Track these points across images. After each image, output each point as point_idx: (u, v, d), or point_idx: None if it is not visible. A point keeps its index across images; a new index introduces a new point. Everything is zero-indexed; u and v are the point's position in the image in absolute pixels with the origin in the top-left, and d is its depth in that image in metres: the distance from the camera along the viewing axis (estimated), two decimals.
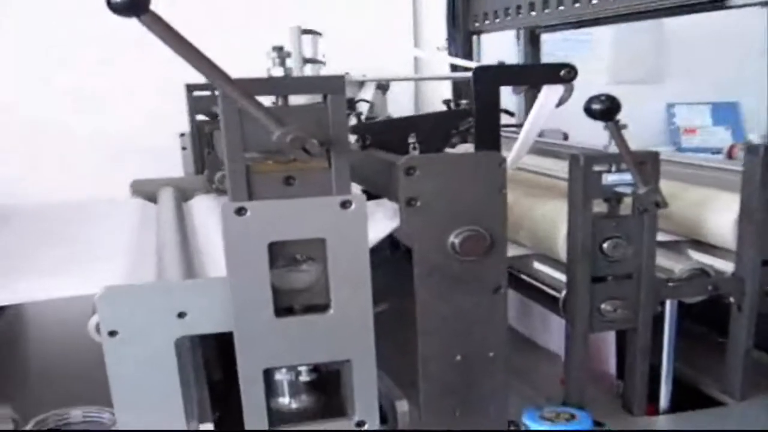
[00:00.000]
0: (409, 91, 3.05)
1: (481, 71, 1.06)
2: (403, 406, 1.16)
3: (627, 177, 1.12)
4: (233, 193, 1.03)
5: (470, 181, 1.05)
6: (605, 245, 1.15)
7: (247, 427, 1.05)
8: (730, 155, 3.32)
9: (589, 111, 1.09)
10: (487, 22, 2.43)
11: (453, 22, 2.55)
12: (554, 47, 3.80)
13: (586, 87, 3.36)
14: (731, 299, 1.24)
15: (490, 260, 1.08)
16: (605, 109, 1.10)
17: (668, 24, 3.89)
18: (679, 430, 1.25)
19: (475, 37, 2.57)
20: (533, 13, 2.21)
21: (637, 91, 3.79)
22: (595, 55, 3.85)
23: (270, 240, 0.99)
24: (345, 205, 1.01)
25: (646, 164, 1.12)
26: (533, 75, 1.17)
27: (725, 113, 3.87)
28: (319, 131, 1.02)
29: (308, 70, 2.50)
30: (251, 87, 0.96)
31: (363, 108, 2.17)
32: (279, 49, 1.49)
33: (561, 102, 1.24)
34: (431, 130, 1.14)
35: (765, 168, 1.18)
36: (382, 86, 2.08)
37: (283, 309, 1.05)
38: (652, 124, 3.93)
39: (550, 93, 1.21)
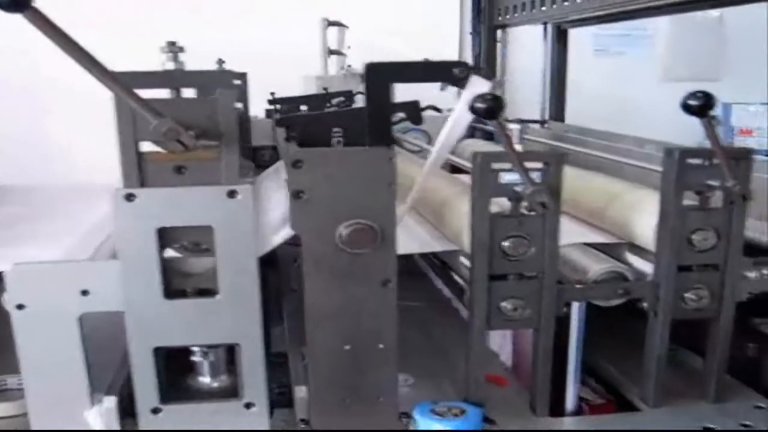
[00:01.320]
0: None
1: (372, 68, 1.07)
2: (300, 391, 1.19)
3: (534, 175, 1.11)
4: (125, 180, 1.07)
5: (359, 175, 1.07)
6: (506, 243, 1.14)
7: (137, 404, 1.10)
8: None
9: (686, 107, 1.09)
10: (508, 16, 2.40)
11: (477, 15, 2.54)
12: (610, 42, 3.73)
13: (635, 83, 3.31)
14: (644, 304, 1.21)
15: (379, 254, 1.10)
16: (702, 105, 1.10)
17: (729, 22, 3.76)
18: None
19: (500, 31, 2.55)
20: (554, 6, 2.17)
21: (693, 89, 3.67)
22: (651, 52, 3.75)
23: (159, 225, 1.03)
24: (232, 194, 1.04)
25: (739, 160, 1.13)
26: (426, 72, 1.16)
27: None
28: (209, 124, 1.05)
29: (333, 62, 2.55)
30: (138, 80, 1.01)
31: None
32: (171, 44, 1.52)
33: None
34: (359, 125, 1.15)
35: (680, 172, 1.15)
36: None
37: (177, 292, 1.10)
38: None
39: (466, 104, 1.20)
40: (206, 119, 1.04)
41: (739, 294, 1.23)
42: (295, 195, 1.06)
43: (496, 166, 1.12)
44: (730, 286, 1.22)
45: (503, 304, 1.17)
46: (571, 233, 1.39)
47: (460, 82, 1.15)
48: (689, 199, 1.20)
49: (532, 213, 1.14)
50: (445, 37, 2.63)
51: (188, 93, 1.48)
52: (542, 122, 2.48)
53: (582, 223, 1.48)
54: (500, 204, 1.16)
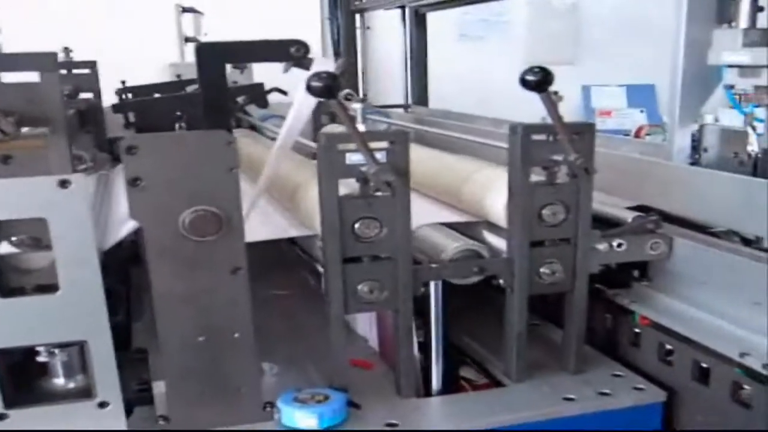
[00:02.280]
0: None
1: (204, 48, 1.04)
2: (159, 387, 1.16)
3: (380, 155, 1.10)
4: None
5: (198, 160, 1.04)
6: (357, 225, 1.13)
7: None
8: (637, 136, 3.32)
9: (524, 82, 1.08)
10: (365, 0, 2.40)
11: (334, 0, 2.52)
12: (472, 28, 3.79)
13: (499, 68, 3.38)
14: (501, 281, 1.23)
15: (226, 241, 1.07)
16: (539, 81, 1.08)
17: (584, 8, 3.88)
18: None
19: (358, 16, 2.54)
20: None
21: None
22: (511, 36, 3.83)
23: None
24: (64, 184, 0.99)
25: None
26: (261, 51, 1.14)
27: (641, 95, 3.86)
28: (31, 109, 1.00)
29: (190, 49, 2.49)
30: None
31: None
32: None
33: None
34: (200, 109, 1.12)
35: (525, 148, 1.17)
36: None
37: (15, 289, 1.04)
38: (568, 106, 3.88)
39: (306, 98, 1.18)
40: (27, 104, 0.99)
41: (591, 266, 1.26)
42: (132, 183, 1.03)
43: (341, 147, 1.11)
44: (581, 259, 1.24)
45: (359, 286, 1.16)
46: (429, 213, 1.40)
47: (299, 62, 1.13)
48: (538, 175, 1.22)
49: (381, 193, 1.13)
50: (306, 22, 2.61)
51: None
52: (405, 107, 2.49)
53: (441, 203, 1.49)
54: (351, 186, 1.15)
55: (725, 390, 1.16)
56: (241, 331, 1.11)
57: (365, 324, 1.46)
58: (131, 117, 1.30)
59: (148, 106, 1.22)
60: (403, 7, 2.39)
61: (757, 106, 1.30)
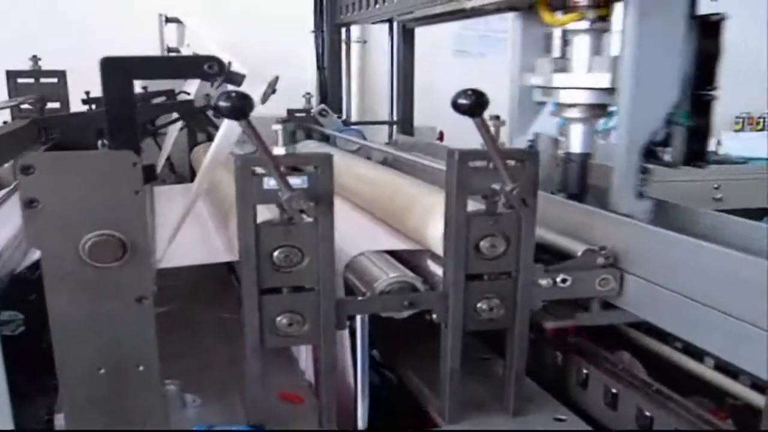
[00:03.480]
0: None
1: (109, 63, 0.97)
2: (59, 419, 1.09)
3: (296, 181, 1.03)
4: None
5: (101, 182, 0.97)
6: (276, 254, 1.06)
7: None
8: None
9: (456, 106, 1.01)
10: (350, 13, 2.33)
11: (320, 13, 2.45)
12: (471, 44, 3.71)
13: (493, 85, 3.28)
14: (434, 316, 1.15)
15: (130, 268, 1.00)
16: (473, 104, 1.01)
17: None
18: None
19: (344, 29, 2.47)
20: (394, 0, 2.09)
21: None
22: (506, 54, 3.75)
23: None
24: None
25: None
26: (172, 67, 1.08)
27: None
28: None
29: None
30: None
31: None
32: None
33: (265, 97, 1.15)
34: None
35: (461, 175, 1.09)
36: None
37: None
38: None
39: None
40: None
41: (533, 303, 1.18)
42: (28, 204, 0.96)
43: (259, 170, 1.04)
44: (522, 294, 1.16)
45: (278, 319, 1.09)
46: (373, 240, 1.33)
47: (230, 78, 1.06)
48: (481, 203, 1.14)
49: (304, 220, 1.06)
50: (299, 36, 2.55)
51: None
52: (390, 123, 2.42)
53: (391, 228, 1.42)
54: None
55: None
56: (146, 363, 1.04)
57: (303, 355, 1.39)
58: (52, 133, 1.25)
59: (68, 122, 1.15)
60: (390, 22, 2.32)
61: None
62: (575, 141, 1.43)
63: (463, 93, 0.98)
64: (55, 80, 1.97)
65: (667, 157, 1.30)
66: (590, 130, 1.40)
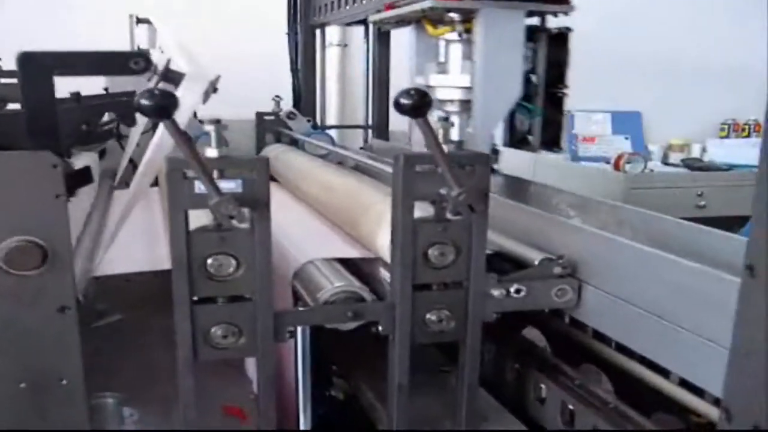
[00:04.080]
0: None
1: (27, 58, 0.92)
2: None
3: (230, 185, 0.98)
4: None
5: (18, 185, 0.92)
6: (209, 262, 1.00)
7: None
8: (617, 166, 3.17)
9: (398, 106, 0.95)
10: (324, 15, 2.27)
11: (294, 14, 2.39)
12: None
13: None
14: (380, 328, 1.09)
15: (51, 276, 0.95)
16: (415, 104, 0.95)
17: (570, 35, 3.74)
18: None
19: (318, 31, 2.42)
20: (363, 1, 2.04)
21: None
22: None
23: None
24: None
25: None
26: (96, 63, 1.02)
27: (626, 122, 3.71)
28: None
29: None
30: None
31: None
32: None
33: (206, 97, 1.10)
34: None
35: (407, 180, 1.04)
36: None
37: None
38: None
39: (188, 90, 1.07)
40: None
41: (485, 314, 1.12)
42: None
43: (191, 174, 0.98)
44: (473, 305, 1.10)
45: (213, 330, 1.03)
46: (324, 247, 1.27)
47: (167, 77, 1.01)
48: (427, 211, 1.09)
49: (241, 226, 1.01)
50: (275, 38, 2.50)
51: None
52: (366, 127, 2.36)
53: (345, 235, 1.36)
54: None
55: None
56: (70, 377, 0.98)
57: (252, 367, 1.32)
58: None
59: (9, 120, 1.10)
60: (366, 24, 2.26)
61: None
62: (453, 132, 1.48)
63: (406, 92, 0.92)
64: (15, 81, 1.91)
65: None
66: (464, 122, 1.52)
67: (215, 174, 0.98)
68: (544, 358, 1.29)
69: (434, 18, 1.51)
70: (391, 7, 1.63)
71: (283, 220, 1.50)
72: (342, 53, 3.17)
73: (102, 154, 1.98)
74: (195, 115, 2.08)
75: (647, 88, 3.59)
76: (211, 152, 0.97)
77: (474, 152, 1.04)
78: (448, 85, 1.50)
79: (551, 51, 1.56)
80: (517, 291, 1.12)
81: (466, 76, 1.48)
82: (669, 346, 1.00)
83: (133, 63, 0.94)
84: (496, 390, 1.35)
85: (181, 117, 1.06)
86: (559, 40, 1.56)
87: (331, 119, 2.76)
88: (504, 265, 1.22)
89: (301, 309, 1.06)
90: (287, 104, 2.35)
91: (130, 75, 0.97)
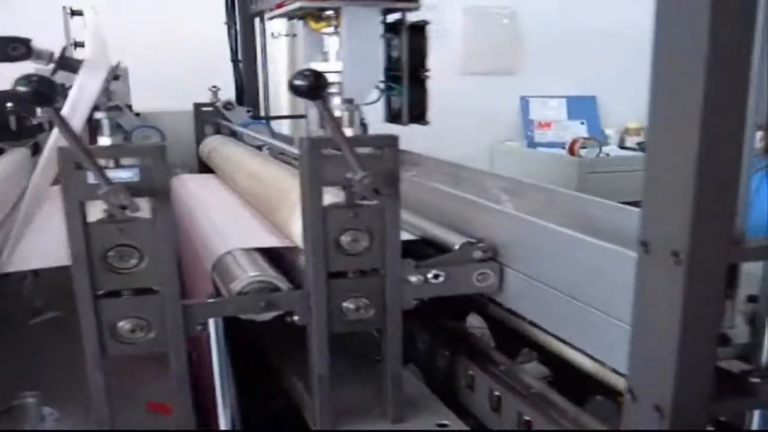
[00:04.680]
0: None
1: None
2: None
3: (126, 174, 0.94)
4: None
5: None
6: (110, 254, 0.97)
7: None
8: (571, 151, 3.16)
9: (293, 87, 0.91)
10: (261, 3, 2.22)
11: (231, 3, 2.35)
12: None
13: (432, 78, 3.23)
14: (296, 318, 1.06)
15: None
16: (311, 86, 0.91)
17: (524, 17, 3.73)
18: None
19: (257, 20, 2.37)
20: None
21: (490, 83, 3.63)
22: (448, 46, 3.67)
23: None
24: None
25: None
26: None
27: (582, 107, 3.70)
28: None
29: (80, 54, 2.32)
30: None
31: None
32: None
33: (107, 84, 1.07)
34: None
35: (313, 164, 1.01)
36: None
37: None
38: (506, 117, 3.75)
39: (87, 77, 1.03)
40: None
41: (404, 301, 1.09)
42: None
43: (86, 164, 0.94)
44: (391, 292, 1.08)
45: (120, 324, 1.00)
46: (245, 237, 1.24)
47: (64, 64, 0.97)
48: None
49: (142, 217, 0.97)
50: (214, 27, 2.45)
51: None
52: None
53: (270, 225, 1.33)
54: None
55: None
56: None
57: None
58: None
59: None
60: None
61: None
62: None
63: (300, 74, 0.89)
64: None
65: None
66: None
67: (111, 163, 0.94)
68: (474, 345, 1.27)
69: (315, 15, 1.75)
70: (279, 5, 1.86)
71: (213, 211, 1.47)
72: (291, 43, 3.13)
73: (36, 149, 1.93)
74: (131, 108, 2.05)
75: (603, 71, 3.58)
76: (104, 141, 0.94)
77: (383, 135, 1.01)
78: (328, 71, 1.70)
79: (412, 41, 1.82)
80: (436, 276, 1.09)
81: (340, 62, 1.72)
82: (584, 327, 0.98)
83: (11, 49, 0.90)
84: (431, 377, 1.33)
85: (83, 103, 1.03)
86: (418, 31, 1.84)
87: (282, 110, 2.71)
88: (428, 250, 1.20)
89: (211, 300, 1.03)
90: (230, 94, 2.31)
91: (10, 61, 0.93)
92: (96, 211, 0.96)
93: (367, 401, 1.20)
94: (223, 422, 1.10)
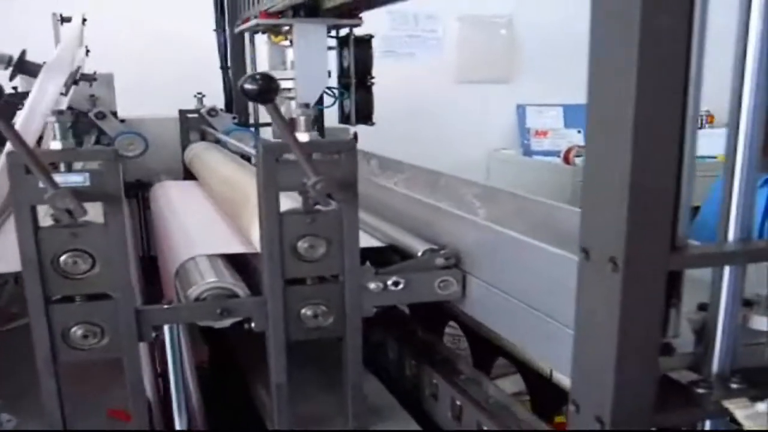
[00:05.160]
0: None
1: None
2: None
3: (77, 178, 0.93)
4: None
5: None
6: (62, 260, 0.96)
7: None
8: (566, 159, 3.14)
9: (244, 92, 0.90)
10: (251, 10, 2.22)
11: (220, 10, 2.35)
12: (400, 45, 3.63)
13: (424, 86, 3.22)
14: (253, 325, 1.05)
15: None
16: (262, 89, 0.90)
17: (520, 25, 3.71)
18: None
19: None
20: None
21: (487, 91, 3.62)
22: (443, 53, 3.66)
23: None
24: None
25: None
26: None
27: (578, 116, 3.68)
28: None
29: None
30: None
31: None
32: None
33: (66, 89, 1.06)
34: None
35: (268, 169, 1.00)
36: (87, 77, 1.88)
37: None
38: (502, 125, 3.73)
39: (46, 81, 1.02)
40: None
41: (363, 308, 1.08)
42: None
43: (32, 168, 0.93)
44: (351, 299, 1.06)
45: (74, 330, 0.99)
46: (212, 243, 1.23)
47: (23, 68, 0.96)
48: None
49: (94, 222, 0.96)
50: (203, 35, 2.46)
51: None
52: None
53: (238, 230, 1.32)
54: None
55: None
56: None
57: (144, 366, 1.28)
58: None
59: None
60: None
61: None
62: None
63: (251, 77, 0.88)
64: None
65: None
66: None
67: (62, 167, 0.94)
68: (440, 354, 1.26)
69: (273, 30, 2.01)
70: (245, 21, 2.13)
71: (187, 217, 1.46)
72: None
73: None
74: (115, 114, 2.05)
75: None
76: (55, 144, 0.93)
77: (340, 140, 0.99)
78: (287, 77, 1.96)
79: (358, 52, 2.07)
80: (396, 284, 1.08)
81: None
82: (542, 337, 0.96)
83: None
84: (398, 387, 1.32)
85: (42, 106, 1.02)
86: (364, 43, 2.08)
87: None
88: (395, 258, 1.19)
89: (166, 306, 1.01)
90: (219, 102, 2.32)
91: None
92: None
93: (332, 410, 1.19)
94: (178, 427, 1.09)
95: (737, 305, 0.75)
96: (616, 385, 0.70)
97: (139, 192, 2.07)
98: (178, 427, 1.10)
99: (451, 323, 1.49)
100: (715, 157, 2.99)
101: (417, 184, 1.65)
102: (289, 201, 1.03)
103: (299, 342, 1.08)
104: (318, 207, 1.03)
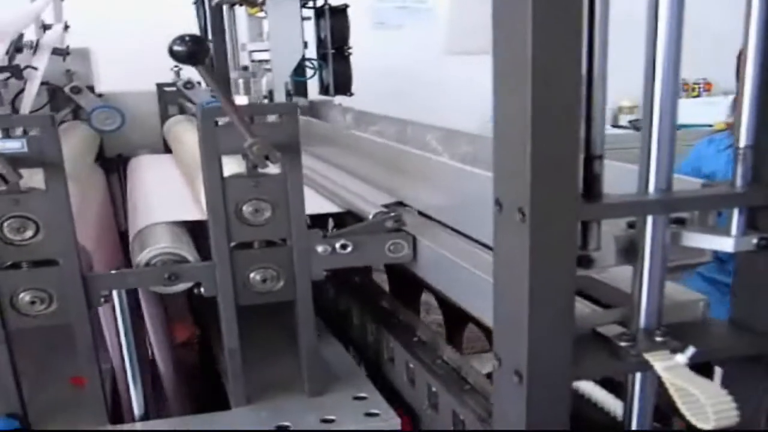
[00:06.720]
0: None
1: None
2: None
3: (14, 144, 0.94)
4: None
5: None
6: (5, 225, 0.97)
7: None
8: None
9: (173, 54, 0.90)
10: None
11: None
12: (389, 16, 3.60)
13: (414, 57, 3.19)
14: (202, 290, 1.06)
15: None
16: (191, 52, 0.90)
17: None
18: None
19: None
20: None
21: (478, 62, 3.58)
22: (433, 25, 3.63)
23: None
24: None
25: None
26: None
27: None
28: None
29: (48, 37, 2.32)
30: None
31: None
32: None
33: (9, 56, 1.06)
34: None
35: (207, 133, 0.99)
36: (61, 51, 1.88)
37: None
38: (489, 98, 3.67)
39: None
40: None
41: (314, 272, 1.08)
42: None
43: None
44: (299, 263, 1.07)
45: (21, 296, 1.00)
46: (170, 209, 1.24)
47: None
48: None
49: (36, 188, 0.97)
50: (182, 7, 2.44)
51: None
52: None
53: None
54: None
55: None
56: None
57: (107, 334, 1.29)
58: None
59: None
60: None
61: None
62: (263, 83, 1.76)
63: (180, 39, 0.88)
64: None
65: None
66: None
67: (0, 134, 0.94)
68: (396, 318, 1.26)
69: (249, 1, 1.97)
70: None
71: (153, 188, 1.47)
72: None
73: None
74: (92, 89, 2.05)
75: None
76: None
77: (281, 103, 0.99)
78: (261, 49, 1.86)
79: (334, 22, 2.08)
80: (343, 247, 1.08)
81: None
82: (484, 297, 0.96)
83: None
84: (361, 353, 1.33)
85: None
86: (340, 13, 2.09)
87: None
88: (352, 222, 1.19)
89: (113, 272, 1.02)
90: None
91: None
92: None
93: (291, 374, 1.19)
94: (135, 404, 1.10)
95: (663, 261, 0.74)
96: (530, 337, 0.69)
97: (120, 166, 2.08)
98: (132, 393, 1.11)
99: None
100: (711, 125, 2.95)
101: (388, 133, 1.70)
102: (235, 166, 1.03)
103: (262, 307, 1.08)
104: (264, 171, 1.03)
